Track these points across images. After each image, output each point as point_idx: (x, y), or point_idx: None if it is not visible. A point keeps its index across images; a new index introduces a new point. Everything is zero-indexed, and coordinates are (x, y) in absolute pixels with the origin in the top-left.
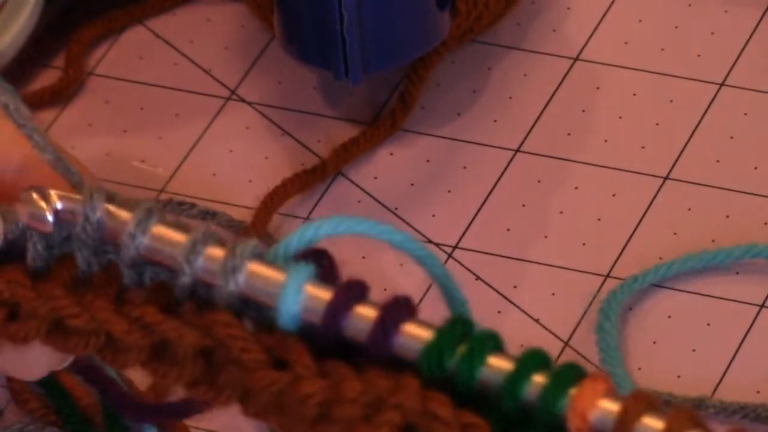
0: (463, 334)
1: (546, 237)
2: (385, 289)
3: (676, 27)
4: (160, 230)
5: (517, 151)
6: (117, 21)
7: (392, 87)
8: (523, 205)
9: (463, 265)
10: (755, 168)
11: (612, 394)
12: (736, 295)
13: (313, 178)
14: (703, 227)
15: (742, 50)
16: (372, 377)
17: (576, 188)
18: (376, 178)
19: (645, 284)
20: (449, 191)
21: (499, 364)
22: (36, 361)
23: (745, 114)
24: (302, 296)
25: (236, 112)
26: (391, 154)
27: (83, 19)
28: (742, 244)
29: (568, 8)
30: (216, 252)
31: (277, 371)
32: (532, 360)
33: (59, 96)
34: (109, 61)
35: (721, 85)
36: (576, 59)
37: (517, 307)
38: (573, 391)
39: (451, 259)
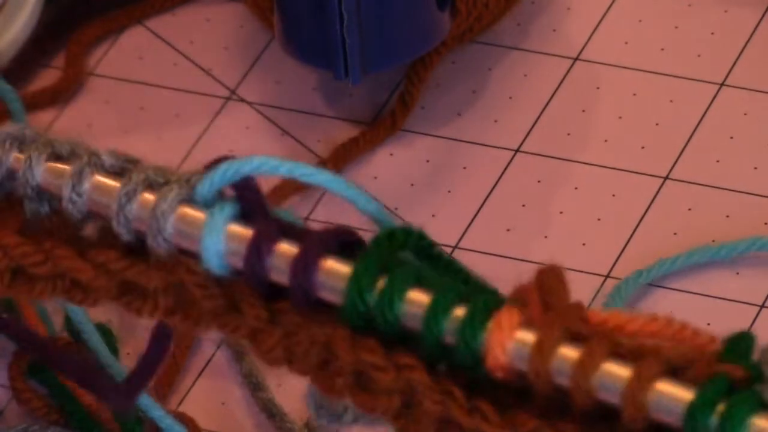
0: (383, 267)
1: (546, 237)
2: None
3: (676, 27)
4: (98, 181)
5: (517, 151)
6: (117, 21)
7: (392, 87)
8: (523, 205)
9: None
10: (755, 168)
11: (529, 323)
12: (736, 295)
13: None
14: (703, 227)
15: (742, 50)
16: (314, 328)
17: (576, 188)
18: (376, 178)
19: (649, 279)
20: (449, 191)
21: (419, 298)
22: None
23: (745, 114)
24: (223, 238)
25: (236, 112)
26: (391, 154)
27: (83, 19)
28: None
29: (568, 8)
30: (148, 199)
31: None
32: (449, 293)
33: (59, 96)
34: (109, 61)
35: (721, 85)
36: (576, 59)
37: None
38: (490, 324)
39: None
